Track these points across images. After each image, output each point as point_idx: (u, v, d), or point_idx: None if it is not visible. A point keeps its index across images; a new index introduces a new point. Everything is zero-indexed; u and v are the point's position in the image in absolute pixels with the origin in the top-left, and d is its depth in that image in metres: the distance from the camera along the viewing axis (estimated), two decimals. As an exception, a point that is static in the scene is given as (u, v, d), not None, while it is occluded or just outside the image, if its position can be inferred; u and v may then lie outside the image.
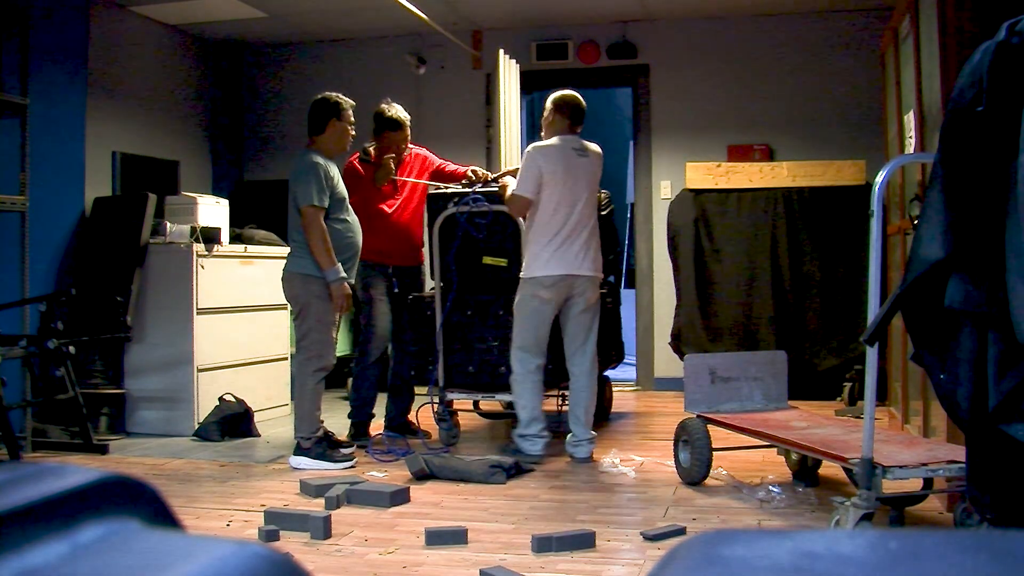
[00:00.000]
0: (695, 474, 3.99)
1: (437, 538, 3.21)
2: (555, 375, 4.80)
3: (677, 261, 6.72)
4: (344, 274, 4.49)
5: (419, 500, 3.84)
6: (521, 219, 4.65)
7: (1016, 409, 1.67)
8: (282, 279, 4.63)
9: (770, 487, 3.73)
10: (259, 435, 5.39)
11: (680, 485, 4.03)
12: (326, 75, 7.47)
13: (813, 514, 3.53)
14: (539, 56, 7.22)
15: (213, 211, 5.77)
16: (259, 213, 6.76)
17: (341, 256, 4.50)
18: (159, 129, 6.91)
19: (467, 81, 7.42)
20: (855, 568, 0.46)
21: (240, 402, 5.45)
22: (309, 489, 3.94)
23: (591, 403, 4.63)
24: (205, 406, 5.44)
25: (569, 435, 4.62)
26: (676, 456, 4.15)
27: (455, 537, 3.22)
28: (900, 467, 2.95)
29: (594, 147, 4.69)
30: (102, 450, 4.98)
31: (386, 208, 5.09)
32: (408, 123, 5.11)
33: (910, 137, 4.29)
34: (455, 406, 5.17)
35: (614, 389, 6.15)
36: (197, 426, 5.38)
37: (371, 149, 5.14)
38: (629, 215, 8.58)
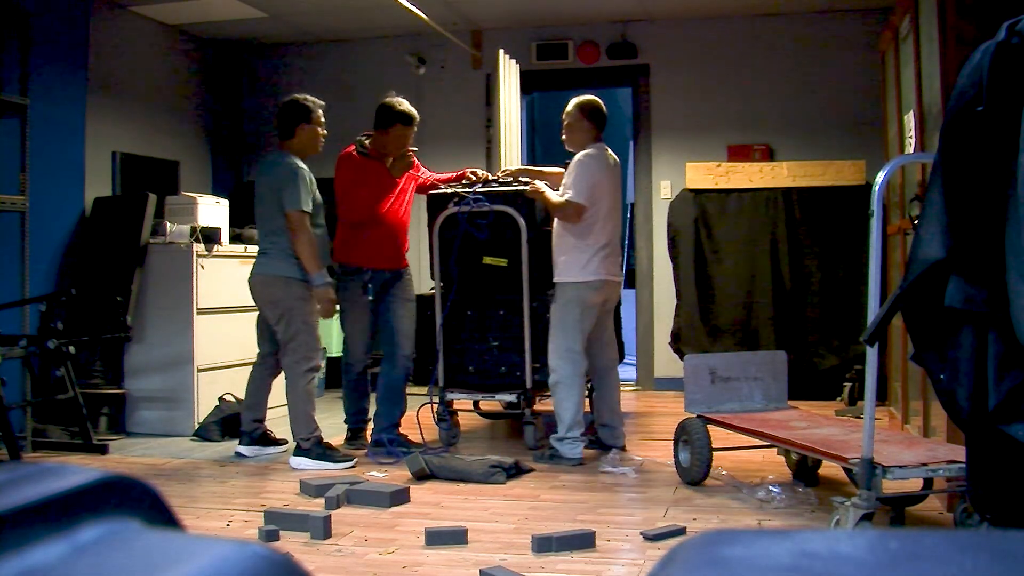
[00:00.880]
0: (695, 474, 3.99)
1: (437, 538, 3.21)
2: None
3: (677, 261, 6.72)
4: (330, 279, 4.53)
5: (419, 500, 3.84)
6: (559, 223, 4.65)
7: (1016, 409, 1.67)
8: (255, 282, 4.60)
9: (770, 487, 3.73)
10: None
11: (680, 485, 4.03)
12: (326, 75, 7.48)
13: (813, 514, 3.53)
14: (539, 56, 7.22)
15: (213, 211, 5.78)
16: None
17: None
18: (159, 129, 6.91)
19: (467, 81, 7.42)
20: (855, 568, 0.46)
21: (240, 402, 5.45)
22: (309, 489, 3.94)
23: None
24: (205, 406, 5.45)
25: (603, 431, 4.78)
26: (676, 456, 4.16)
27: (455, 537, 3.22)
28: (900, 467, 2.95)
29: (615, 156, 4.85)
30: (102, 450, 4.99)
31: (389, 205, 5.03)
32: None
33: (910, 137, 4.29)
34: (455, 406, 5.17)
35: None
36: (197, 426, 5.38)
37: (366, 142, 4.93)
38: (629, 215, 8.58)
